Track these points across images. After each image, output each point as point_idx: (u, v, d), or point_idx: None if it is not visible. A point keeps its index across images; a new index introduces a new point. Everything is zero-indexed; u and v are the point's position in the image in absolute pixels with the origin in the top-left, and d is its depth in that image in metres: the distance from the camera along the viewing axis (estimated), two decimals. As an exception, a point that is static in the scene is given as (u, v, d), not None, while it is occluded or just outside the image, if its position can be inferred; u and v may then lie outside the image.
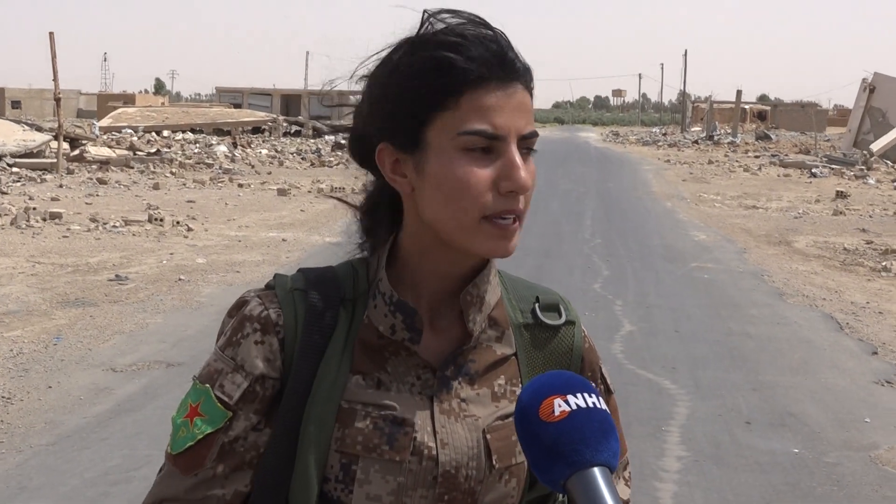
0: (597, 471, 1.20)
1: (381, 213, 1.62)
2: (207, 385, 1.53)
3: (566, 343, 1.66)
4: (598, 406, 1.26)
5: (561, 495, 1.67)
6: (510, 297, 1.66)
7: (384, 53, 1.53)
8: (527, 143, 1.47)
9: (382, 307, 1.55)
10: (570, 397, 1.25)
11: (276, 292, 1.57)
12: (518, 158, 1.45)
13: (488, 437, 1.55)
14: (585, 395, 1.26)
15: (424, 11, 1.50)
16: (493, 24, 1.51)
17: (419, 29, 1.50)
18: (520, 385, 1.60)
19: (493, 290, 1.60)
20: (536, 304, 1.66)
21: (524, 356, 1.62)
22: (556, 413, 1.24)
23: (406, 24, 1.51)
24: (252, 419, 1.51)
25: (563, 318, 1.67)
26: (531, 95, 1.50)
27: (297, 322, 1.54)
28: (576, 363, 1.66)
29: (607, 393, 1.70)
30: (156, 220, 16.85)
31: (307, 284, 1.57)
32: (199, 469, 1.50)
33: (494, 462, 1.54)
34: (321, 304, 1.55)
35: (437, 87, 1.45)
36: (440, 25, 1.48)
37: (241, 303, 1.58)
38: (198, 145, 38.12)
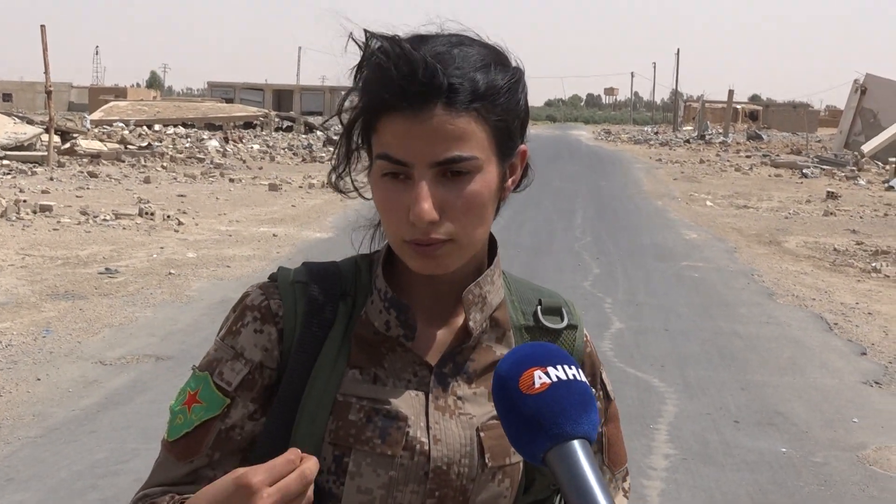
0: (577, 443, 1.19)
1: None
2: (206, 372, 1.54)
3: (566, 347, 1.65)
4: (579, 378, 1.24)
5: (557, 499, 1.66)
6: (513, 298, 1.66)
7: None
8: (451, 167, 1.43)
9: (378, 303, 1.56)
10: (551, 369, 1.23)
11: (278, 284, 1.58)
12: (424, 188, 1.41)
13: (482, 435, 1.54)
14: (566, 366, 1.25)
15: (366, 31, 1.48)
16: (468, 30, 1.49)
17: (364, 50, 1.48)
18: None
19: (496, 291, 1.60)
20: (538, 307, 1.66)
21: None
22: (537, 385, 1.22)
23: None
24: (249, 407, 1.52)
25: (565, 322, 1.66)
26: (477, 113, 1.43)
27: (296, 314, 1.55)
28: None
29: (606, 399, 1.69)
30: (146, 213, 16.82)
31: (309, 277, 1.58)
32: (194, 456, 1.50)
33: (487, 460, 1.53)
34: (322, 297, 1.56)
35: (366, 109, 1.46)
36: (376, 44, 1.46)
37: (245, 295, 1.59)
38: (189, 140, 38.06)
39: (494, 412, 1.52)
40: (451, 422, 1.54)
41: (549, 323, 1.65)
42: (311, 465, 1.32)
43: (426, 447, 1.51)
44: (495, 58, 1.48)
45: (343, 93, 1.56)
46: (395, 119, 1.41)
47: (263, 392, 1.53)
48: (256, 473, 1.29)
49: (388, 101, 1.41)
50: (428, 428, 1.52)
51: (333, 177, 1.61)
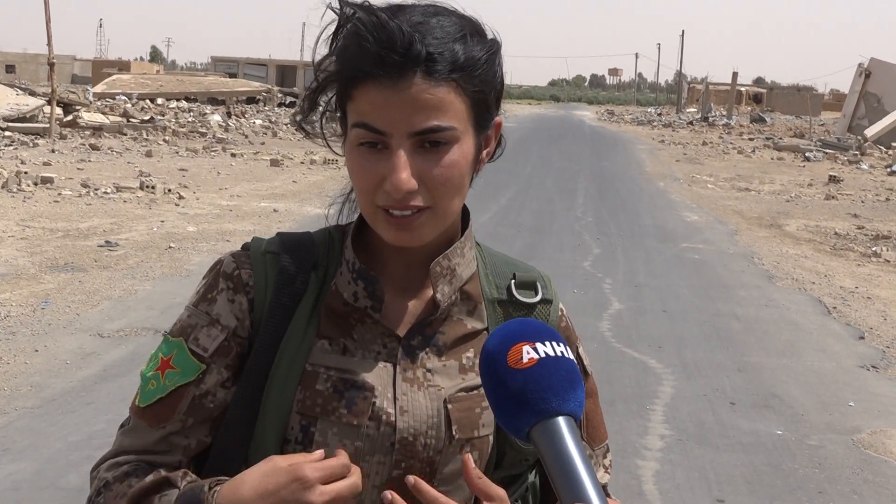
0: (562, 420, 1.19)
1: None
2: (181, 338, 1.54)
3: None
4: (566, 355, 1.24)
5: (532, 475, 1.67)
6: (487, 271, 1.65)
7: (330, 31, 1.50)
8: (429, 138, 1.42)
9: (347, 274, 1.56)
10: (539, 345, 1.23)
11: (250, 254, 1.58)
12: (402, 158, 1.41)
13: (449, 406, 1.54)
14: (553, 343, 1.25)
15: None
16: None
17: (339, 16, 1.46)
18: None
19: (467, 263, 1.60)
20: (512, 281, 1.65)
21: None
22: (525, 360, 1.22)
23: None
24: (223, 374, 1.53)
25: (539, 297, 1.65)
26: (456, 84, 1.42)
27: (267, 284, 1.55)
28: None
29: (584, 375, 1.67)
30: (147, 187, 16.80)
31: (281, 248, 1.58)
32: (167, 422, 1.51)
33: (455, 433, 1.53)
34: (293, 267, 1.56)
35: (342, 76, 1.45)
36: (350, 12, 1.44)
37: (217, 262, 1.59)
38: (192, 114, 38.04)
39: (464, 385, 1.55)
40: (418, 393, 1.53)
41: (523, 297, 1.64)
42: (359, 478, 1.37)
43: (392, 418, 1.51)
44: (472, 29, 1.47)
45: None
46: (372, 88, 1.40)
47: (237, 360, 1.54)
48: (313, 469, 1.33)
49: (365, 70, 1.40)
50: (395, 399, 1.52)
51: (298, 117, 1.60)
